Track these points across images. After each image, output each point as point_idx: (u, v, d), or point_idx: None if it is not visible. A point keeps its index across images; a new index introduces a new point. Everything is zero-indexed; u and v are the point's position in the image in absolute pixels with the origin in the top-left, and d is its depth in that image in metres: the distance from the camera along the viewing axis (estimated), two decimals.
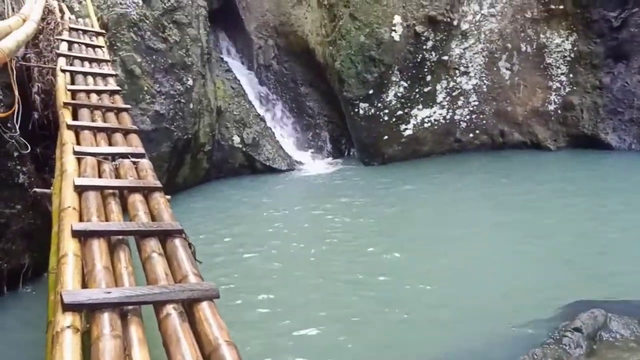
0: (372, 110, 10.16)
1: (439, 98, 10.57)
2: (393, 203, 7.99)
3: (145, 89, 8.30)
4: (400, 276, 5.34)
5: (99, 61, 6.66)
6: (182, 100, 8.79)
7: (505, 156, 10.45)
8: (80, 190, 3.38)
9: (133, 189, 3.60)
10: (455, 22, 10.24)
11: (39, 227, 4.98)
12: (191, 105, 8.95)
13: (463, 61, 10.54)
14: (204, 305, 2.26)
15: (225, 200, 8.74)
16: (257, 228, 7.23)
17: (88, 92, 5.60)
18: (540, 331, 3.89)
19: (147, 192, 3.62)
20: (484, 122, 10.88)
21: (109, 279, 2.43)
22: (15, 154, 4.85)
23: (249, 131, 10.36)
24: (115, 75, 6.59)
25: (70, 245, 2.65)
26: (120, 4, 8.45)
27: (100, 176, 3.78)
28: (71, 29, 7.31)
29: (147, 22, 8.61)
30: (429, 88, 10.42)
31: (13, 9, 6.58)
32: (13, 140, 4.81)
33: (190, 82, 8.99)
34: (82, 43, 7.02)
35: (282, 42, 12.11)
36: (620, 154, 10.00)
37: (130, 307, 2.21)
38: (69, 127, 4.57)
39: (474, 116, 10.82)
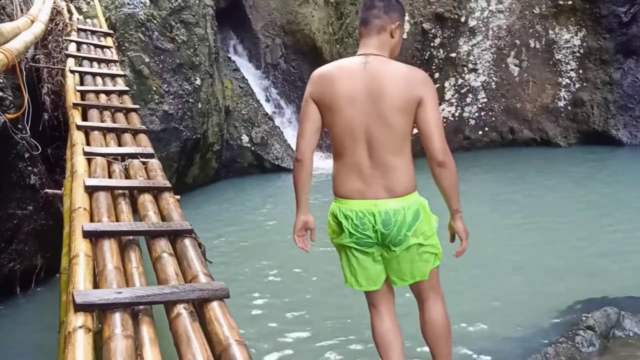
0: None
1: (447, 95, 10.52)
2: None
3: (153, 89, 8.32)
4: None
5: (107, 61, 6.70)
6: (191, 100, 8.80)
7: (515, 153, 10.37)
8: (90, 190, 3.40)
9: (143, 189, 3.62)
10: (462, 19, 10.19)
11: (50, 228, 5.00)
12: (199, 105, 8.96)
13: (471, 58, 10.48)
14: (214, 305, 2.26)
15: (235, 199, 8.75)
16: (267, 227, 7.23)
17: (97, 92, 5.64)
18: (553, 330, 3.86)
19: (156, 192, 3.63)
20: (493, 119, 10.82)
21: (120, 279, 2.44)
22: (26, 155, 4.86)
23: (257, 130, 10.36)
24: (124, 76, 6.63)
25: (81, 246, 2.66)
26: (128, 4, 8.47)
27: (110, 176, 3.80)
28: (79, 29, 7.36)
29: (155, 22, 8.63)
30: (437, 85, 10.37)
31: (22, 10, 6.62)
32: (24, 142, 4.82)
33: (198, 81, 9.00)
34: (91, 44, 7.06)
35: (289, 40, 12.10)
36: (631, 149, 9.92)
37: (141, 307, 2.21)
38: (79, 127, 4.60)
39: (482, 113, 10.77)
